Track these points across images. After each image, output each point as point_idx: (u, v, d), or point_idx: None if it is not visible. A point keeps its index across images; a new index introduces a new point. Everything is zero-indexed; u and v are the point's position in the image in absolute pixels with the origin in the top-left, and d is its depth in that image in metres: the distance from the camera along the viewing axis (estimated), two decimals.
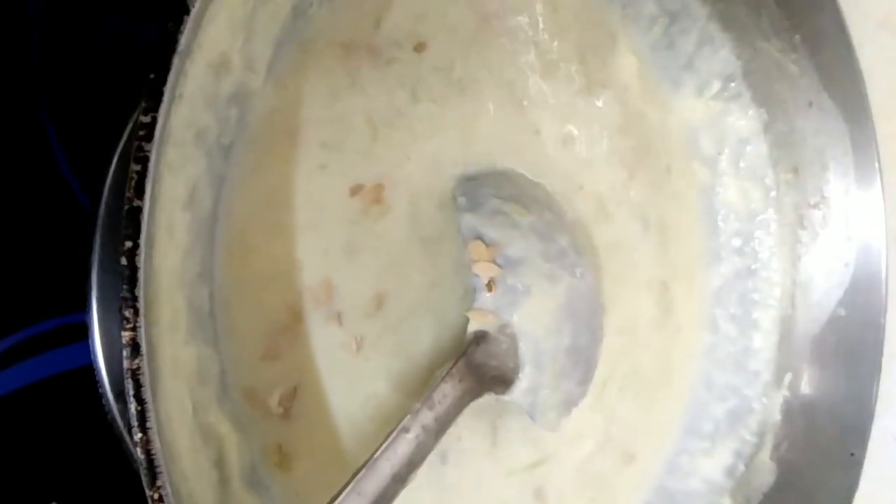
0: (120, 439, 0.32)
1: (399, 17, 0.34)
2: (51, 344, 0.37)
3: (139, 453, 0.20)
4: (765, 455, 0.39)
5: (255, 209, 0.31)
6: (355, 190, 0.33)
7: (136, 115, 0.32)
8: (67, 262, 0.33)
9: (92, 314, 0.31)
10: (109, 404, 0.32)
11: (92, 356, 0.31)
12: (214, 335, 0.29)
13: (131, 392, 0.20)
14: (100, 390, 0.31)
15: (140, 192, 0.20)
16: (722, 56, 0.40)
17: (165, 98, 0.20)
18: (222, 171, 0.29)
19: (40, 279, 0.38)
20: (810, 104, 0.39)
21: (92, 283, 0.31)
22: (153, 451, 0.20)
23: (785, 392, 0.40)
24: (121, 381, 0.30)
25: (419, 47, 0.34)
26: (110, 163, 0.32)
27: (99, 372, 0.31)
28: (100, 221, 0.31)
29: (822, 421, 0.38)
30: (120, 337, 0.20)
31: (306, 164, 0.32)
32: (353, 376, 0.33)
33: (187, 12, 0.21)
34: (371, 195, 0.33)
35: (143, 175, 0.20)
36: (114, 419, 0.31)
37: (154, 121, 0.20)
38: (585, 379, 0.37)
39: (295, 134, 0.31)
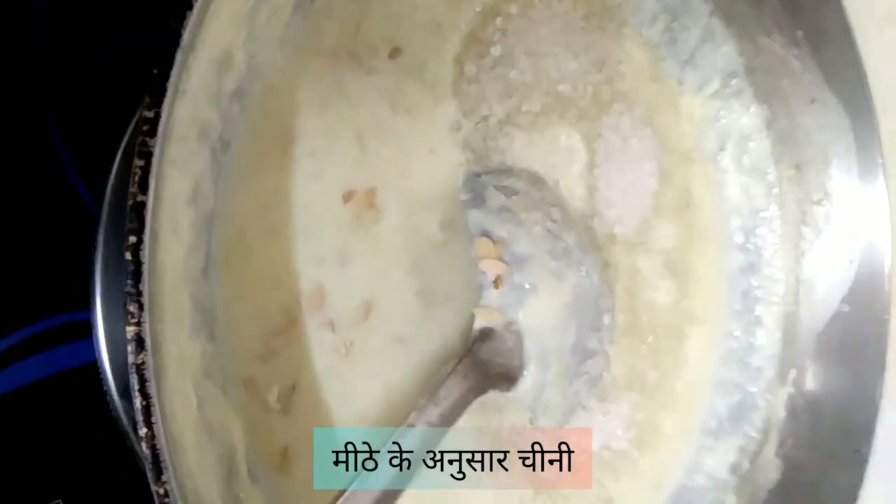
0: (124, 436, 0.32)
1: (376, 20, 0.34)
2: (54, 341, 0.37)
3: (144, 448, 0.20)
4: (769, 452, 0.39)
5: (253, 210, 0.31)
6: (348, 196, 0.33)
7: (139, 112, 0.32)
8: (71, 259, 0.33)
9: (96, 311, 0.31)
10: (114, 401, 0.32)
11: (96, 353, 0.31)
12: (214, 329, 0.29)
13: (136, 387, 0.20)
14: (104, 387, 0.31)
15: (144, 187, 0.20)
16: (724, 52, 0.40)
17: (169, 93, 0.20)
18: (224, 166, 0.29)
19: (44, 276, 0.38)
20: (813, 100, 0.38)
21: (95, 279, 0.31)
22: (158, 446, 0.20)
23: (789, 389, 0.39)
24: (125, 378, 0.30)
25: (394, 53, 0.35)
26: (113, 160, 0.32)
27: (103, 369, 0.31)
28: (103, 219, 0.31)
29: (826, 418, 0.38)
30: (124, 332, 0.20)
31: (300, 172, 0.32)
32: (344, 380, 0.33)
33: (190, 7, 0.21)
34: (363, 201, 0.33)
35: (146, 170, 0.20)
36: (118, 416, 0.31)
37: (157, 116, 0.20)
38: (593, 379, 0.37)
39: (288, 142, 0.31)
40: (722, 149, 0.41)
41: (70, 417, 0.37)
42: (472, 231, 0.34)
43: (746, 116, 0.41)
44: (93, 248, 0.31)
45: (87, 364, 0.32)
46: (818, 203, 0.40)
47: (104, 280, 0.31)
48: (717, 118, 0.41)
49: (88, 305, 0.31)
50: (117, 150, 0.32)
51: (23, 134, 0.38)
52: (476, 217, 0.34)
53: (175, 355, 0.24)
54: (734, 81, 0.40)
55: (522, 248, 0.34)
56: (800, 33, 0.37)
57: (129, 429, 0.32)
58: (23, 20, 0.37)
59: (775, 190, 0.41)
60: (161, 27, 0.25)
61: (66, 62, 0.38)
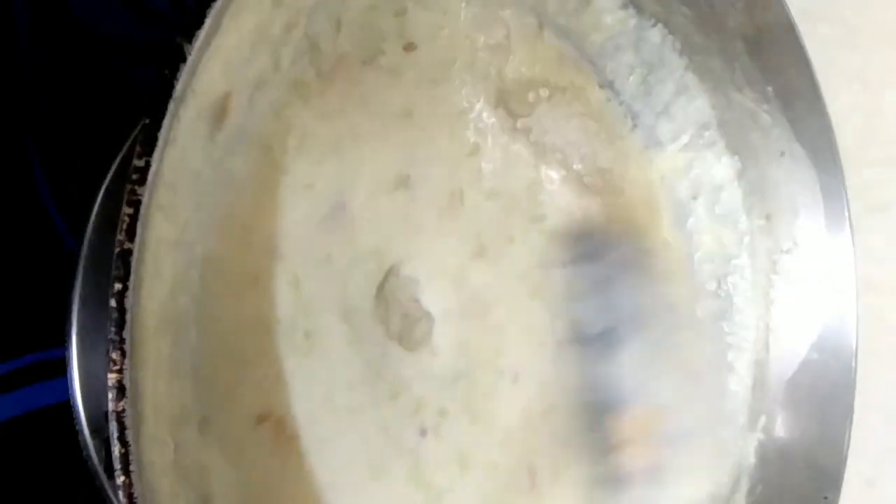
0: (95, 477, 0.31)
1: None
2: (28, 380, 0.37)
3: (122, 497, 0.20)
4: (740, 498, 0.39)
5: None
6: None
7: (122, 151, 0.32)
8: (47, 297, 0.32)
9: (71, 351, 0.30)
10: (85, 441, 0.31)
11: (70, 391, 0.31)
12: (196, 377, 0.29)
13: (115, 434, 0.20)
14: (76, 427, 0.31)
15: (132, 234, 0.20)
16: (697, 105, 0.41)
17: (159, 143, 0.21)
18: (210, 210, 0.29)
19: (19, 314, 0.37)
20: (782, 153, 0.40)
21: (72, 319, 0.31)
22: (136, 494, 0.20)
23: (760, 435, 0.40)
24: (98, 419, 0.30)
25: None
26: (95, 199, 0.32)
27: (76, 409, 0.31)
28: (82, 258, 0.31)
29: (796, 464, 0.39)
30: (105, 379, 0.20)
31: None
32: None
33: (184, 60, 0.21)
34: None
35: (135, 218, 0.20)
36: (89, 457, 0.31)
37: (148, 165, 0.20)
38: None
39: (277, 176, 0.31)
40: (695, 198, 0.42)
41: (40, 457, 0.37)
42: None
43: (718, 167, 0.42)
44: (71, 286, 0.31)
45: (60, 404, 0.31)
46: (787, 252, 0.41)
47: (81, 318, 0.31)
48: (691, 168, 0.42)
49: (60, 343, 0.31)
50: (99, 188, 0.32)
51: (3, 170, 0.37)
52: None
53: (153, 401, 0.24)
54: (707, 133, 0.42)
55: None
56: (770, 89, 0.39)
57: (99, 470, 0.31)
58: (9, 53, 0.37)
59: (746, 238, 0.42)
60: (149, 67, 0.25)
61: (52, 98, 0.38)
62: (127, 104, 0.32)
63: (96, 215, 0.31)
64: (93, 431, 0.31)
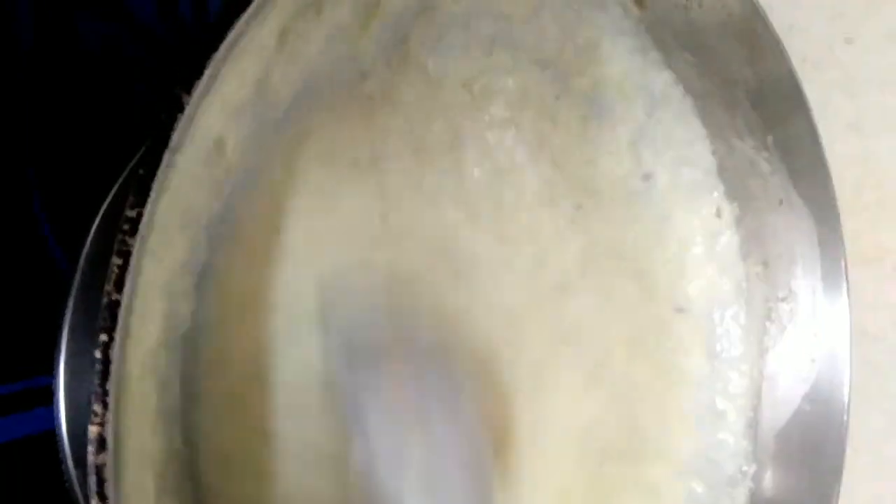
0: None
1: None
2: (14, 407, 0.36)
3: None
4: None
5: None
6: None
7: (119, 182, 0.32)
8: (39, 323, 0.32)
9: (58, 380, 0.30)
10: (69, 471, 0.31)
11: (55, 423, 0.31)
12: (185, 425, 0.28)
13: (94, 489, 0.20)
14: (59, 456, 0.31)
15: (120, 286, 0.20)
16: (698, 150, 0.41)
17: (153, 193, 0.20)
18: (206, 257, 0.28)
19: (9, 340, 0.37)
20: (781, 202, 0.40)
21: (61, 348, 0.30)
22: None
23: (750, 484, 0.40)
24: (81, 448, 0.29)
25: None
26: (90, 227, 0.32)
27: (61, 439, 0.30)
28: (75, 286, 0.31)
29: None
30: (87, 430, 0.20)
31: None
32: None
33: (181, 110, 0.21)
34: None
35: (124, 269, 0.20)
36: (71, 487, 0.31)
37: (140, 216, 0.20)
38: None
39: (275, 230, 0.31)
40: (692, 242, 0.42)
41: (24, 485, 0.36)
42: None
43: (717, 213, 0.42)
44: (62, 314, 0.31)
45: (44, 432, 0.31)
46: (783, 300, 0.41)
47: (70, 348, 0.31)
48: (689, 212, 0.42)
49: (49, 371, 0.31)
50: (95, 215, 0.32)
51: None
52: None
53: (136, 450, 0.23)
54: (707, 178, 0.42)
55: None
56: (770, 138, 0.39)
57: (81, 501, 0.31)
58: (10, 76, 0.37)
59: (743, 285, 0.42)
60: (151, 93, 0.25)
61: (53, 120, 0.38)
62: (128, 130, 0.32)
63: (91, 245, 0.31)
64: (76, 463, 0.31)
